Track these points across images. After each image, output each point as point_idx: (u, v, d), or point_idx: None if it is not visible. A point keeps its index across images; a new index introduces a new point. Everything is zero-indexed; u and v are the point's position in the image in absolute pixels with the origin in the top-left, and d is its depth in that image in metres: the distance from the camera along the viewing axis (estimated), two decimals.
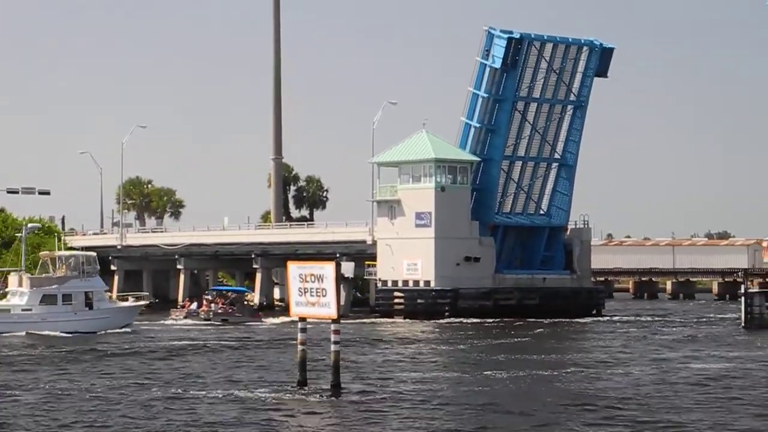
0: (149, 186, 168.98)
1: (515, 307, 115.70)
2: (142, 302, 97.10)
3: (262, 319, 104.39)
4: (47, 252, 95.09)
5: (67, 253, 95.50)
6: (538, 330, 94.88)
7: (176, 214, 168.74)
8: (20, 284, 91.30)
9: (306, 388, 49.86)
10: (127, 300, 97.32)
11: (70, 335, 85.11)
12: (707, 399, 48.24)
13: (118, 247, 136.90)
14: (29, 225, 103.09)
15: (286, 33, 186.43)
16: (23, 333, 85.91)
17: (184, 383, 53.42)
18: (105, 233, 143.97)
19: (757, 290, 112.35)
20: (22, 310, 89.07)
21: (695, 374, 57.99)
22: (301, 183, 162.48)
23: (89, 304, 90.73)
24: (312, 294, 48.88)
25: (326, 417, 43.58)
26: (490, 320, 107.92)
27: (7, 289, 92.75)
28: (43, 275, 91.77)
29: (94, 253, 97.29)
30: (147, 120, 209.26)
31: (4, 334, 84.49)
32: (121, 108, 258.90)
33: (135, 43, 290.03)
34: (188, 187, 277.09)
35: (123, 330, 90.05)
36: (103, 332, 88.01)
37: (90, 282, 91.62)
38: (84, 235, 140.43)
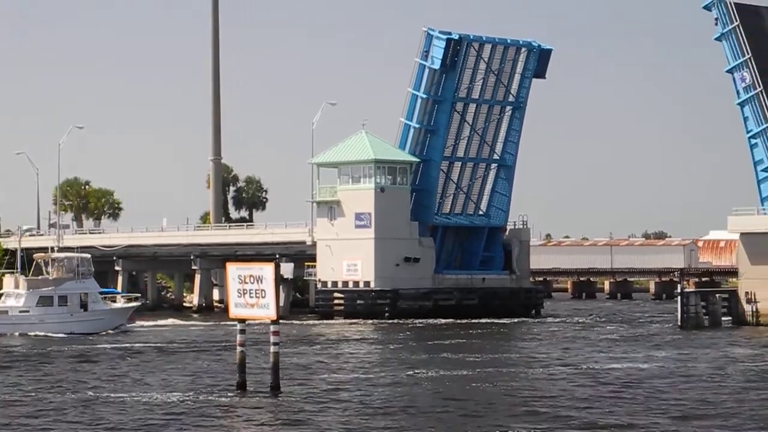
0: (87, 187, 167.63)
1: (455, 307, 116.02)
2: (134, 303, 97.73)
3: (135, 321, 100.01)
4: (42, 254, 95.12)
5: (63, 255, 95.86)
6: (475, 330, 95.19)
7: (114, 216, 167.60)
8: (16, 286, 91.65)
9: (245, 390, 49.72)
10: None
11: (66, 336, 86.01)
12: (626, 399, 48.45)
13: (56, 248, 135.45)
14: (25, 227, 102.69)
15: (224, 32, 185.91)
16: (24, 333, 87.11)
17: (112, 387, 52.94)
18: (42, 234, 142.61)
19: (693, 290, 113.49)
20: (20, 311, 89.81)
21: (623, 374, 58.34)
22: (241, 184, 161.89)
23: (84, 306, 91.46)
24: (251, 295, 48.73)
25: (263, 419, 43.46)
26: (430, 321, 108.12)
27: (1, 291, 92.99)
28: (39, 277, 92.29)
29: (88, 255, 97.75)
30: (85, 121, 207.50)
31: (1, 336, 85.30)
32: (58, 108, 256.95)
33: (72, 42, 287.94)
34: (126, 188, 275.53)
35: (116, 330, 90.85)
36: (98, 333, 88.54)
37: (85, 284, 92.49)
38: (21, 236, 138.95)
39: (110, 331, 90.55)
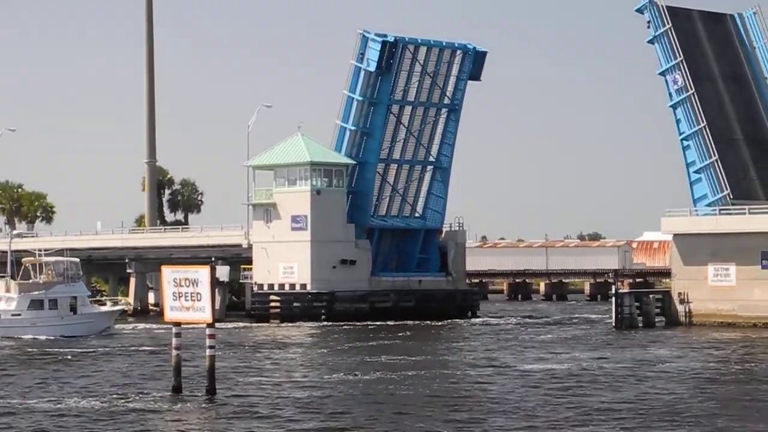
0: (19, 190, 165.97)
1: (391, 309, 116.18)
2: (120, 307, 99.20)
3: None
4: (31, 258, 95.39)
5: (52, 258, 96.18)
6: (410, 332, 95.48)
7: (48, 219, 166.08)
8: (7, 290, 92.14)
9: (180, 394, 49.52)
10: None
11: (55, 339, 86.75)
12: (539, 398, 48.95)
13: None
14: (15, 232, 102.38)
15: (159, 34, 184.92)
16: (12, 337, 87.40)
17: (37, 393, 52.55)
18: None
19: (627, 291, 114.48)
20: (12, 315, 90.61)
21: (545, 375, 58.83)
22: (176, 187, 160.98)
23: (73, 309, 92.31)
24: (186, 298, 48.55)
25: (197, 422, 43.31)
26: (366, 323, 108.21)
27: None
28: (30, 281, 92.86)
29: (77, 259, 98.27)
30: (16, 123, 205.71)
31: None
32: None
33: (3, 42, 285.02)
34: (60, 191, 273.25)
35: (103, 333, 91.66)
36: (86, 336, 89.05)
37: (74, 287, 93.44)
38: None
39: (98, 334, 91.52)
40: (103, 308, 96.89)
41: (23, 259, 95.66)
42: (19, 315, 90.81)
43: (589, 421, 42.99)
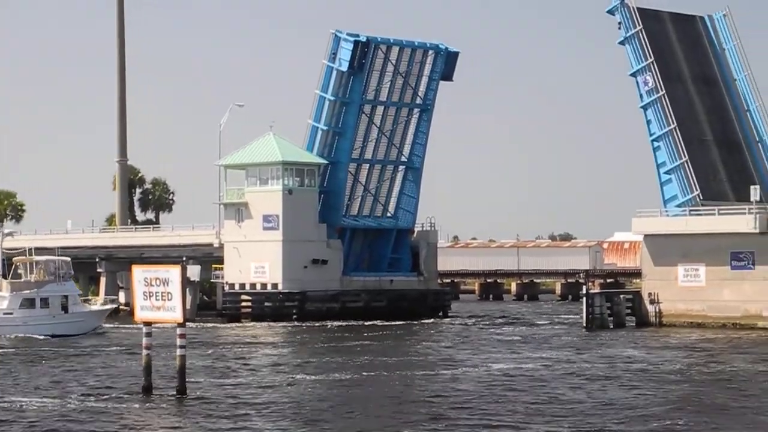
0: None
1: (363, 309, 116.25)
2: (110, 306, 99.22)
3: None
4: (22, 257, 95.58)
5: (43, 258, 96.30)
6: (381, 332, 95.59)
7: (18, 218, 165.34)
8: None
9: (151, 394, 49.47)
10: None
11: (48, 338, 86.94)
12: (511, 400, 49.09)
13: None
14: (6, 231, 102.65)
15: (130, 32, 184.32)
16: (8, 335, 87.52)
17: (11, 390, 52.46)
18: None
19: (597, 291, 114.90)
20: (4, 313, 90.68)
21: (513, 374, 59.06)
22: (147, 186, 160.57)
23: (65, 308, 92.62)
24: (157, 298, 48.51)
25: (167, 422, 43.27)
26: (337, 323, 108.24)
27: None
28: (22, 280, 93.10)
29: (68, 258, 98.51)
30: None
31: None
32: None
33: None
34: (30, 190, 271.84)
35: (93, 332, 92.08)
36: (77, 335, 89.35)
37: (65, 286, 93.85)
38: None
39: (89, 332, 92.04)
40: (94, 307, 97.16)
41: (14, 258, 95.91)
42: (11, 314, 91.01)
43: (550, 420, 43.14)
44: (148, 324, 49.71)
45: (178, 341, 48.77)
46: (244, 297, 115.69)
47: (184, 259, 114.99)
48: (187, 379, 50.12)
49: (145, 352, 49.75)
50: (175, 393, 49.37)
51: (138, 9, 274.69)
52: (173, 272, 48.41)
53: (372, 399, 49.49)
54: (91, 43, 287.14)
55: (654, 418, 43.75)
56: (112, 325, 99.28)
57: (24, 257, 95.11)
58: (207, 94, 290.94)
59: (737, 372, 60.82)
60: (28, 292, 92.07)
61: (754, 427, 42.21)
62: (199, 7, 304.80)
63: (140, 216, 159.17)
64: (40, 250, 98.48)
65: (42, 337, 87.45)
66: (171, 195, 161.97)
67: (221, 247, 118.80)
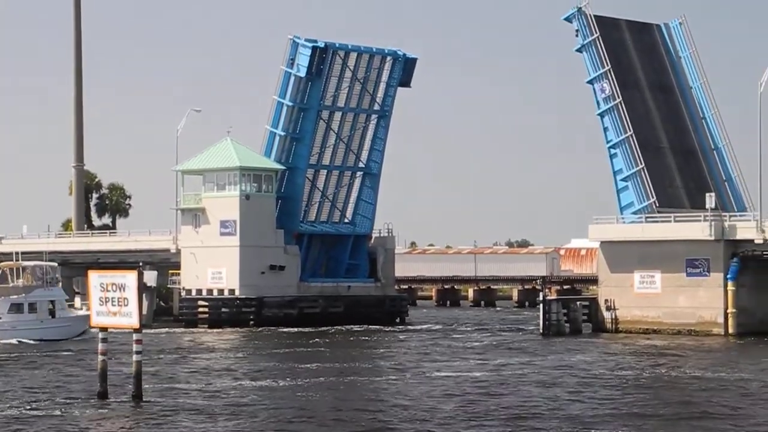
0: None
1: (320, 315, 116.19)
2: None
3: None
4: (9, 262, 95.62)
5: (31, 263, 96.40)
6: (337, 338, 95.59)
7: None
8: None
9: (106, 399, 49.24)
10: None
11: (36, 343, 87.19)
12: (457, 406, 49.13)
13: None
14: None
15: (87, 36, 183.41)
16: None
17: None
18: None
19: (554, 297, 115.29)
20: None
21: (463, 381, 59.11)
22: (104, 191, 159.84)
23: (52, 313, 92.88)
24: (113, 303, 48.29)
25: (122, 428, 43.08)
26: (295, 329, 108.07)
27: None
28: (10, 285, 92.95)
29: (55, 263, 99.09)
30: None
31: None
32: None
33: None
34: None
35: (81, 337, 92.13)
36: (64, 339, 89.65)
37: (52, 291, 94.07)
38: None
39: (76, 338, 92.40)
40: (81, 312, 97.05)
41: (1, 263, 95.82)
42: (0, 318, 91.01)
43: (497, 425, 43.24)
44: (103, 329, 49.47)
45: (134, 347, 48.61)
46: (201, 303, 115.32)
47: (141, 264, 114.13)
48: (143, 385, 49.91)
49: (100, 357, 49.51)
50: (130, 398, 49.14)
51: (95, 13, 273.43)
52: (129, 278, 48.22)
53: (321, 405, 49.44)
54: (47, 47, 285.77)
55: (587, 424, 43.74)
56: (149, 330, 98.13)
57: (11, 262, 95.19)
58: (164, 100, 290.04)
59: (683, 379, 61.02)
60: (15, 297, 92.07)
61: None
62: (156, 13, 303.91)
63: (97, 221, 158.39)
64: (44, 255, 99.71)
65: (31, 342, 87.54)
66: (128, 200, 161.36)
67: (178, 252, 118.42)
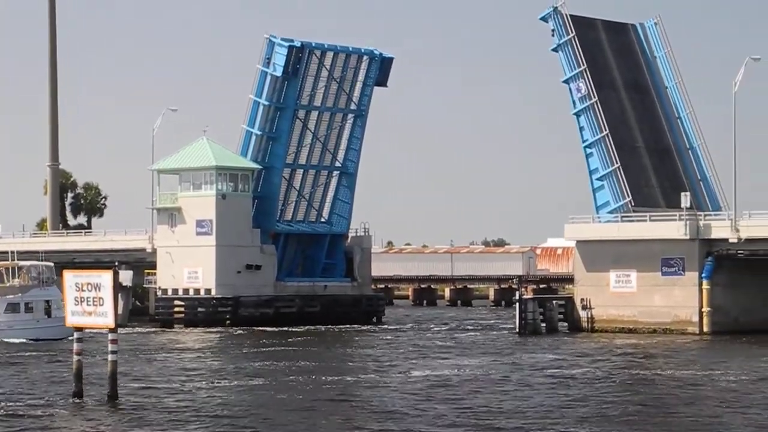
0: None
1: (296, 314, 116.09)
2: None
3: None
4: (5, 262, 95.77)
5: (28, 263, 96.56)
6: (313, 338, 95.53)
7: None
8: None
9: (81, 399, 49.08)
10: None
11: (33, 342, 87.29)
12: (426, 405, 49.18)
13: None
14: None
15: (62, 35, 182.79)
16: None
17: None
18: None
19: (530, 297, 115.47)
20: None
21: (435, 381, 59.06)
22: (79, 190, 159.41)
23: (48, 313, 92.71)
24: (89, 303, 48.14)
25: (96, 428, 42.97)
26: (271, 328, 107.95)
27: None
28: (7, 285, 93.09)
29: (51, 263, 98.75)
30: None
31: None
32: None
33: None
34: None
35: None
36: (60, 339, 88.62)
37: (48, 291, 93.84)
38: None
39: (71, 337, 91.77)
40: None
41: None
42: None
43: (465, 425, 43.29)
44: (79, 329, 49.30)
45: (110, 347, 48.45)
46: (177, 302, 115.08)
47: (116, 264, 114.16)
48: (119, 385, 49.78)
49: (75, 357, 49.33)
50: (106, 398, 49.01)
51: (70, 11, 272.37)
52: (105, 277, 48.06)
53: (292, 404, 49.46)
54: (22, 46, 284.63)
55: (555, 425, 43.75)
56: (124, 330, 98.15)
57: (7, 262, 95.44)
58: (140, 99, 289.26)
59: (652, 378, 61.05)
60: (12, 296, 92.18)
61: None
62: (132, 12, 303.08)
63: (72, 221, 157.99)
64: (41, 255, 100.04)
65: (27, 341, 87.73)
66: (103, 199, 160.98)
67: (154, 252, 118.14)
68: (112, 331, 48.26)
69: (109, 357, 48.62)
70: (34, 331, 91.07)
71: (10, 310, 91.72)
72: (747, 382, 58.32)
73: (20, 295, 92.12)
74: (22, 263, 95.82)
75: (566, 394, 53.21)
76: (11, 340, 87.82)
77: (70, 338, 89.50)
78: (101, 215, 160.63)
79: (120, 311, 48.22)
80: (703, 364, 68.55)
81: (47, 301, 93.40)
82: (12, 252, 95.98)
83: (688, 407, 48.59)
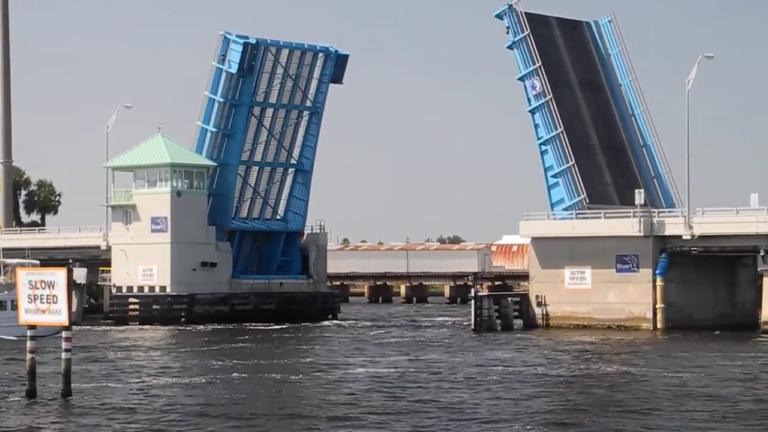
0: None
1: (252, 312, 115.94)
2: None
3: None
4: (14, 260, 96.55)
5: (15, 260, 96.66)
6: (266, 335, 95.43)
7: None
8: None
9: (35, 398, 48.83)
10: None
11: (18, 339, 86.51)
12: (362, 402, 49.29)
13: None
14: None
15: (14, 31, 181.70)
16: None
17: None
18: None
19: (486, 293, 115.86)
20: None
21: (368, 377, 59.21)
22: (33, 187, 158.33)
23: None
24: (42, 301, 47.89)
25: (49, 426, 42.78)
26: (226, 326, 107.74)
27: None
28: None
29: (37, 261, 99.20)
30: None
31: None
32: None
33: None
34: None
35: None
36: (53, 336, 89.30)
37: None
38: None
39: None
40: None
41: (6, 261, 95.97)
42: None
43: (406, 423, 43.49)
44: (32, 327, 49.03)
45: (64, 344, 48.28)
46: (131, 300, 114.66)
47: (71, 261, 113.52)
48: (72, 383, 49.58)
49: (29, 355, 49.04)
50: (60, 396, 48.80)
51: (23, 7, 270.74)
52: (59, 275, 47.83)
53: (236, 403, 49.45)
54: None
55: (497, 422, 43.80)
56: (79, 327, 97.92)
57: (14, 260, 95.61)
58: (94, 95, 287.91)
59: (600, 374, 61.23)
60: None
61: None
62: (86, 7, 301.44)
63: (25, 218, 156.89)
64: (27, 253, 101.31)
65: (15, 338, 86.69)
66: (57, 197, 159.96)
67: (108, 249, 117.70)
68: (66, 329, 48.05)
69: (63, 355, 48.43)
70: (21, 328, 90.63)
71: None
72: (689, 379, 58.72)
73: (6, 292, 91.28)
74: (8, 261, 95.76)
75: (514, 391, 53.11)
76: (13, 337, 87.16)
77: (58, 335, 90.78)
78: (55, 213, 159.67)
79: (74, 309, 47.97)
80: (650, 360, 68.94)
81: None
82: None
83: (628, 403, 48.69)
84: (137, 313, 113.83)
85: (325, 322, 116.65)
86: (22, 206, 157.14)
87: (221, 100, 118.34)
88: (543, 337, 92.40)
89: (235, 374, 60.64)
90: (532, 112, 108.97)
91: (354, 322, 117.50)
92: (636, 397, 50.52)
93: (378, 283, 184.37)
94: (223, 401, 49.57)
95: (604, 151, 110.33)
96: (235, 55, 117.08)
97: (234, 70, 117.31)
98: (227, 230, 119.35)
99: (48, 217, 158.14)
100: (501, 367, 65.13)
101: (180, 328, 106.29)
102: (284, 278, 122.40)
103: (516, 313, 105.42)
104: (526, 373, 61.72)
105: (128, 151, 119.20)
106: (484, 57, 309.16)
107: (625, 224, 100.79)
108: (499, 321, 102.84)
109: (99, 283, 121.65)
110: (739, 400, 49.58)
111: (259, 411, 46.38)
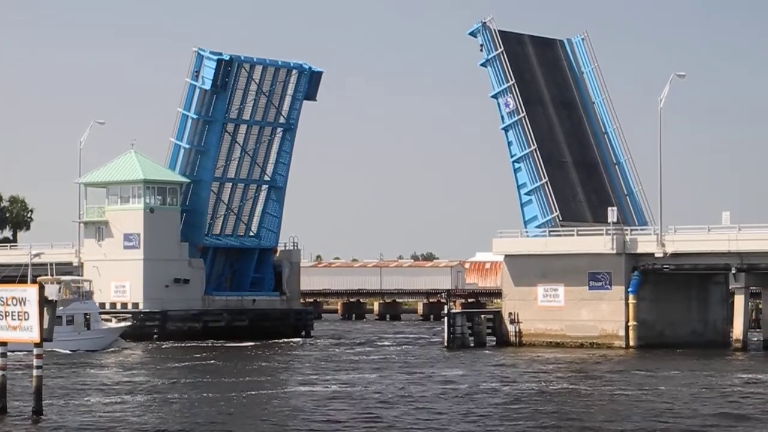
0: None
1: (225, 329, 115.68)
2: (125, 324, 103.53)
3: None
4: (48, 277, 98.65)
5: (68, 277, 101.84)
6: (238, 352, 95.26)
7: None
8: None
9: (5, 414, 48.55)
10: None
11: (71, 353, 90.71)
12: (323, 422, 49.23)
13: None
14: (34, 252, 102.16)
15: None
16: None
17: None
18: None
19: (459, 311, 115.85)
20: None
21: (331, 396, 59.12)
22: (4, 203, 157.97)
23: (87, 324, 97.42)
24: (13, 317, 47.69)
25: None
26: (199, 343, 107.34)
27: None
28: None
29: (90, 278, 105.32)
30: None
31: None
32: None
33: None
34: None
35: (112, 349, 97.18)
36: (99, 350, 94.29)
37: (87, 304, 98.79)
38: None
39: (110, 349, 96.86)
40: (112, 325, 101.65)
41: (39, 278, 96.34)
42: None
43: None
44: (2, 344, 48.79)
45: (35, 361, 48.09)
46: (103, 317, 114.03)
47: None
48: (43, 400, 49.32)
49: None
50: (30, 414, 48.54)
51: None
52: (30, 291, 47.69)
53: (186, 418, 49.33)
54: None
55: None
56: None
57: (50, 277, 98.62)
58: (67, 111, 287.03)
59: (567, 391, 61.20)
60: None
61: None
62: (60, 23, 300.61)
63: None
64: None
65: (69, 352, 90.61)
66: (29, 213, 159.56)
67: (81, 265, 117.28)
68: (38, 345, 47.84)
69: (34, 372, 48.24)
70: (75, 342, 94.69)
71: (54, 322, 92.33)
72: (655, 393, 58.78)
73: (62, 308, 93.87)
74: (63, 278, 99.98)
75: (480, 409, 52.97)
76: (55, 350, 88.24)
77: (108, 349, 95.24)
78: (27, 228, 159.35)
79: (46, 325, 47.79)
80: (622, 378, 68.98)
81: (86, 314, 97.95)
82: (51, 265, 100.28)
83: (594, 421, 48.78)
84: None
85: (298, 339, 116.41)
86: None
87: (195, 116, 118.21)
88: (514, 354, 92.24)
89: (199, 392, 60.44)
90: (506, 129, 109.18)
91: (329, 339, 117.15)
92: (597, 417, 50.50)
93: (351, 300, 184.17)
94: (180, 419, 49.36)
95: (577, 168, 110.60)
96: (208, 71, 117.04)
97: (208, 86, 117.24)
98: (200, 247, 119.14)
99: (20, 234, 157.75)
100: (465, 385, 64.74)
101: (152, 345, 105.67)
102: (257, 295, 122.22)
103: (489, 331, 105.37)
104: (493, 390, 61.57)
105: (101, 167, 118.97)
106: (458, 74, 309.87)
107: (597, 242, 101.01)
108: (472, 338, 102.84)
109: None
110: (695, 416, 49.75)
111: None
